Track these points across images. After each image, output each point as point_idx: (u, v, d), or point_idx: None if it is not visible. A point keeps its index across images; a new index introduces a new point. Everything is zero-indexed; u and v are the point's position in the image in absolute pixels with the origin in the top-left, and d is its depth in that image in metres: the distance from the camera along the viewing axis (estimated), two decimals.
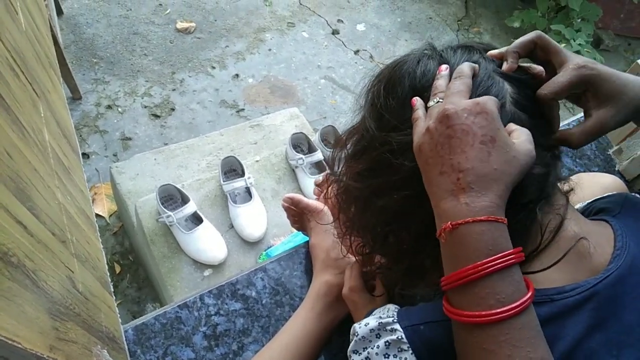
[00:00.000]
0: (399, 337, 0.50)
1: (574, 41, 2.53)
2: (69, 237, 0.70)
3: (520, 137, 0.47)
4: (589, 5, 2.64)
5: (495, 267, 0.43)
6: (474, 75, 0.51)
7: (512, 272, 0.44)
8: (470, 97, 0.48)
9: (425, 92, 0.52)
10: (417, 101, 0.51)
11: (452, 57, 0.54)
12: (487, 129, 0.45)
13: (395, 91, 0.53)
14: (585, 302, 0.49)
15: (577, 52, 2.51)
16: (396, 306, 0.56)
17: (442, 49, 0.56)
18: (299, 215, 0.90)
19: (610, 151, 1.15)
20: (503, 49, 0.54)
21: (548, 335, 0.45)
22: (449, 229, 0.44)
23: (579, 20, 2.65)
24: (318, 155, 1.56)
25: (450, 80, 0.51)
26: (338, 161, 0.61)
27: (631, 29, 2.98)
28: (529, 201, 0.49)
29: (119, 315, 0.86)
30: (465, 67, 0.50)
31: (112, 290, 0.78)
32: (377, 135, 0.53)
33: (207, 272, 1.36)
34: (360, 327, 0.54)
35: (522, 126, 0.49)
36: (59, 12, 2.37)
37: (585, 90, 0.53)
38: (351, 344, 0.55)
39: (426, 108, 0.51)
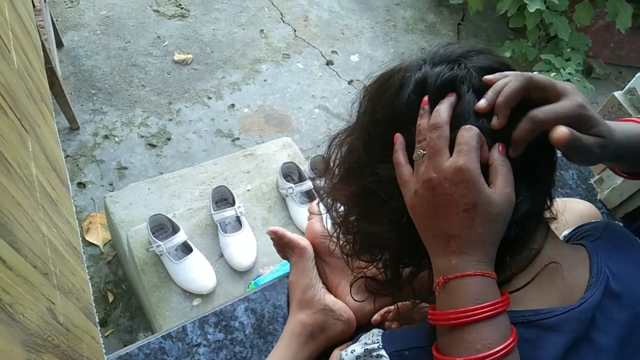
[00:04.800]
0: None
1: (564, 70, 2.58)
2: (52, 269, 0.71)
3: (498, 183, 0.49)
4: (579, 35, 2.69)
5: (481, 315, 0.47)
6: (455, 106, 0.51)
7: (499, 320, 0.47)
8: (451, 131, 0.49)
9: (405, 121, 0.53)
10: (398, 139, 0.53)
11: (431, 85, 0.52)
12: (468, 197, 0.48)
13: (376, 113, 0.56)
14: (559, 325, 0.51)
15: (567, 80, 2.55)
16: (380, 330, 0.58)
17: (425, 70, 0.54)
18: (282, 247, 0.91)
19: (592, 181, 1.17)
20: (490, 99, 0.50)
21: (522, 356, 0.48)
22: (442, 283, 0.50)
23: (569, 49, 2.70)
24: (308, 184, 1.58)
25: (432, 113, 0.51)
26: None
27: (621, 58, 3.03)
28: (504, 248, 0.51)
29: (103, 346, 0.87)
30: (443, 113, 0.50)
31: (102, 319, 0.79)
32: (365, 161, 0.57)
33: (196, 302, 1.36)
34: (347, 354, 0.55)
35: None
36: (59, 44, 2.43)
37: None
38: None
39: (407, 146, 0.53)
